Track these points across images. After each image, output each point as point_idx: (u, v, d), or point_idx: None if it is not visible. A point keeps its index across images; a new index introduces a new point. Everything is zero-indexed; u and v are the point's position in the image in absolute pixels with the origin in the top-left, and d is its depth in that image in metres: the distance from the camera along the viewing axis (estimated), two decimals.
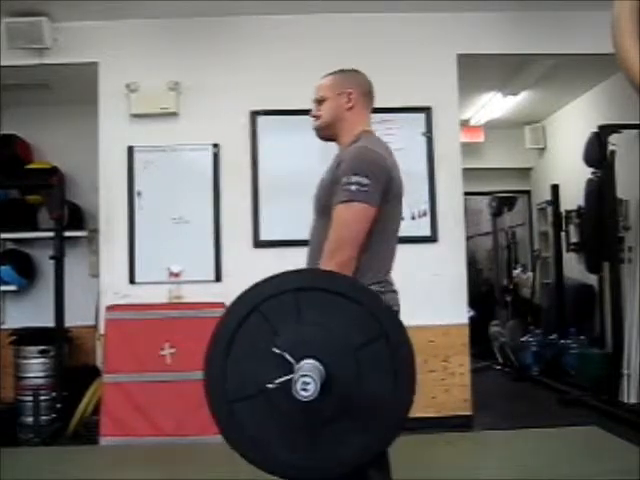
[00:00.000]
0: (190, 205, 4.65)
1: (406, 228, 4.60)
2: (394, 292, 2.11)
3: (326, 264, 1.92)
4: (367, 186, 1.94)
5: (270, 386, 1.51)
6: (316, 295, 1.60)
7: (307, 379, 1.46)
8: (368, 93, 2.24)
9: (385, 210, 2.01)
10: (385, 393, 1.55)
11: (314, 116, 2.23)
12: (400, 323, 1.62)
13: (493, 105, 6.67)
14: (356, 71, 2.29)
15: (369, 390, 1.55)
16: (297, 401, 1.48)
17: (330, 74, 2.26)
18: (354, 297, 1.59)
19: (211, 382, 1.60)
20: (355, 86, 2.20)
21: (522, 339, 6.62)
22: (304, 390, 1.46)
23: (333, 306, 1.58)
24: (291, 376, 1.50)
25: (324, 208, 2.06)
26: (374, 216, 1.96)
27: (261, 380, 1.54)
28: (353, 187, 1.93)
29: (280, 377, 1.51)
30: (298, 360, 1.52)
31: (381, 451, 1.64)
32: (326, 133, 2.22)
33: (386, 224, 2.04)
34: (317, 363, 1.52)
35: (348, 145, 2.12)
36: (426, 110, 4.70)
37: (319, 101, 2.22)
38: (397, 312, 2.08)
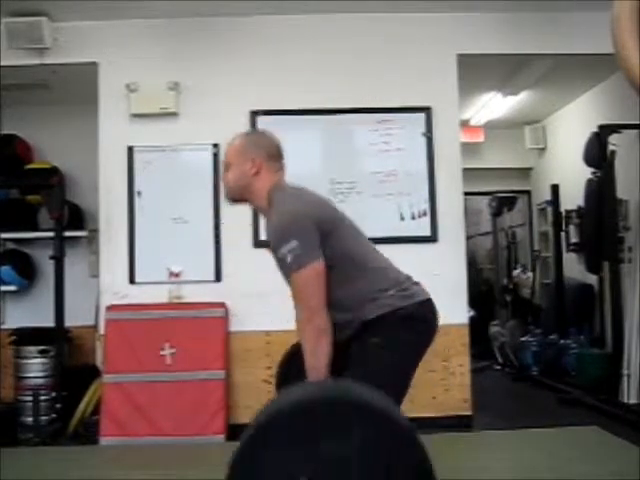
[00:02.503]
0: (190, 205, 4.65)
1: (406, 228, 4.67)
2: (416, 284, 2.23)
3: (306, 330, 2.05)
4: (298, 247, 2.01)
5: None
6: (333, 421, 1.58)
7: None
8: (274, 155, 2.27)
9: (335, 243, 2.09)
10: None
11: (224, 181, 2.30)
12: (421, 445, 1.64)
13: (493, 105, 6.67)
14: (262, 133, 2.38)
15: None
16: None
17: (237, 137, 2.30)
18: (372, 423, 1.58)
19: None
20: (260, 150, 2.24)
21: (522, 339, 6.61)
22: None
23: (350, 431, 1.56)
24: None
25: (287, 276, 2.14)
26: (324, 264, 2.05)
27: None
28: (289, 258, 2.02)
29: None
30: None
31: None
32: (235, 197, 2.29)
33: (345, 252, 2.12)
34: None
35: (266, 209, 2.19)
36: (426, 110, 4.69)
37: (226, 165, 2.27)
38: (429, 303, 2.23)
